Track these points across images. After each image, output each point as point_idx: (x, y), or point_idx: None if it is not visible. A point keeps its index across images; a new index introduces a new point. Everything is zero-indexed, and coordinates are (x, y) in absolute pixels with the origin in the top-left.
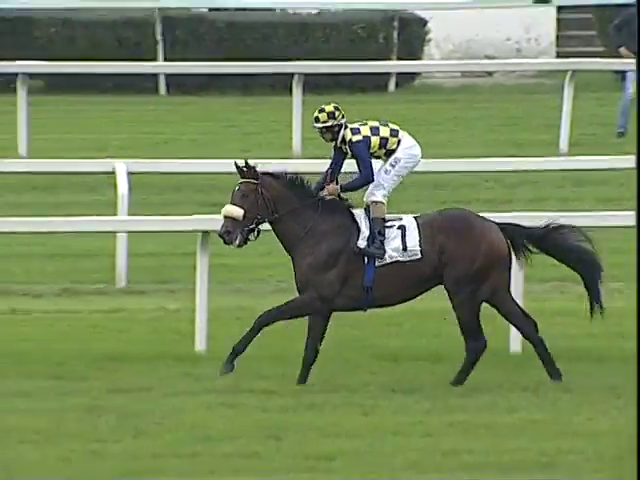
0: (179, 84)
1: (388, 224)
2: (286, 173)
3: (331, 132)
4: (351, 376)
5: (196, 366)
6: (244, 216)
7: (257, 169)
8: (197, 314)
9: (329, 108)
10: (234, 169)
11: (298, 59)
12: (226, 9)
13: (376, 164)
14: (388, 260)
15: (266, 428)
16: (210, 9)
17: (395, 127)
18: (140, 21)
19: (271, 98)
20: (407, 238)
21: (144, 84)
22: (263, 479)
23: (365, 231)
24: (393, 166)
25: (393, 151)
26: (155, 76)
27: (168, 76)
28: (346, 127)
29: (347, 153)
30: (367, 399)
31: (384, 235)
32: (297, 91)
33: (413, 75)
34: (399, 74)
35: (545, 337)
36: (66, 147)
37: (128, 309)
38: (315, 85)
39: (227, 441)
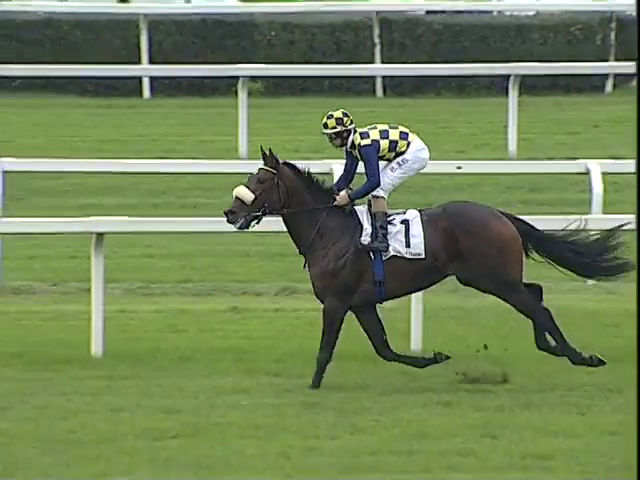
0: (395, 86)
1: (390, 218)
2: (308, 170)
3: (340, 137)
4: (567, 376)
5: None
6: (253, 201)
7: (279, 160)
8: (413, 313)
9: (337, 114)
10: (449, 170)
11: (514, 60)
12: (443, 12)
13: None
14: (393, 253)
15: (482, 427)
16: (427, 12)
17: (405, 130)
18: (358, 24)
19: (486, 99)
20: (411, 235)
21: (360, 86)
22: (479, 477)
23: (368, 227)
24: (400, 165)
25: (403, 153)
26: (372, 78)
27: (384, 78)
28: (355, 132)
29: (358, 158)
30: (584, 399)
31: (386, 229)
32: (513, 92)
33: (632, 76)
34: (617, 75)
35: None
36: (283, 149)
37: None
38: (531, 86)
39: (442, 439)
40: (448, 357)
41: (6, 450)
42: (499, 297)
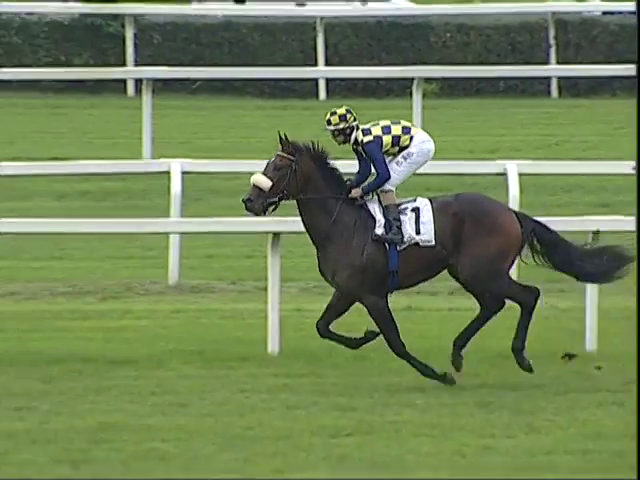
0: (570, 87)
1: (402, 207)
2: (324, 156)
3: (343, 134)
4: None
5: (587, 365)
6: (270, 188)
7: (298, 146)
8: (587, 313)
9: (340, 111)
10: (623, 170)
11: None
12: (620, 12)
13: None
14: (407, 243)
15: None
16: (603, 13)
17: (407, 124)
18: (533, 25)
19: None
20: (421, 222)
21: (535, 87)
22: None
23: (381, 219)
24: (405, 159)
25: (406, 147)
26: (547, 79)
27: (560, 79)
28: (358, 129)
29: (362, 154)
30: None
31: (400, 220)
32: None
33: None
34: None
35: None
36: (457, 150)
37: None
38: None
39: (618, 439)
40: (377, 334)
41: (186, 445)
42: (484, 286)
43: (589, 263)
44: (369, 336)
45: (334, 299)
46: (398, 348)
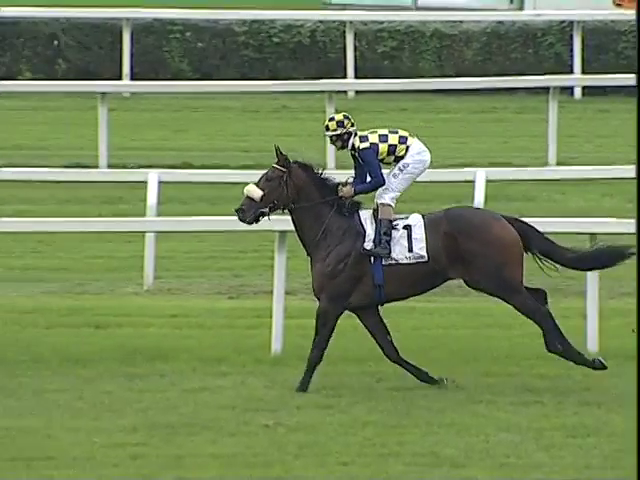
0: None
1: (394, 223)
2: (315, 167)
3: (341, 140)
4: None
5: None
6: (261, 198)
7: (289, 158)
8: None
9: (339, 117)
10: None
11: None
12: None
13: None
14: (392, 261)
15: None
16: None
17: (404, 134)
18: None
19: None
20: (413, 239)
21: None
22: None
23: (370, 233)
24: (401, 170)
25: (402, 157)
26: None
27: None
28: (355, 135)
29: (359, 160)
30: None
31: (390, 236)
32: None
33: None
34: None
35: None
36: None
37: None
38: None
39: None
40: (444, 382)
41: None
42: (501, 298)
43: (586, 255)
44: (438, 380)
45: (365, 324)
46: (316, 356)
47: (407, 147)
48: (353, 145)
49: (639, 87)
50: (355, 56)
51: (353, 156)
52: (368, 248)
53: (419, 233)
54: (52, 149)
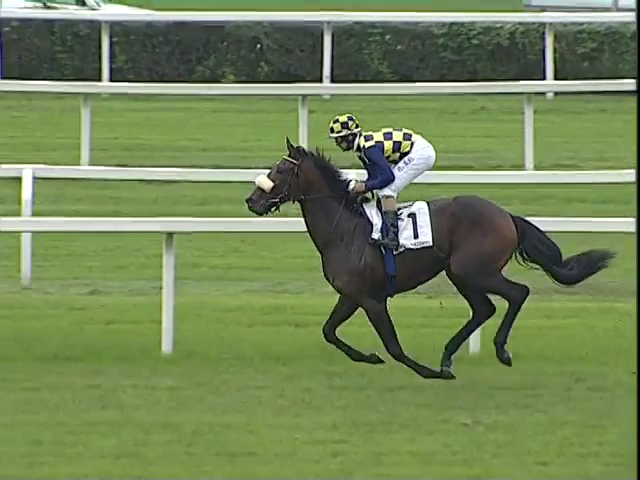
0: None
1: (399, 212)
2: (328, 160)
3: (346, 141)
4: None
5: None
6: (272, 189)
7: (302, 150)
8: None
9: (343, 119)
10: None
11: None
12: None
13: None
14: (402, 249)
15: None
16: None
17: (408, 131)
18: None
19: None
20: (418, 225)
21: None
22: None
23: (378, 223)
24: (406, 164)
25: (407, 153)
26: None
27: None
28: (360, 135)
29: (365, 161)
30: None
31: (397, 227)
32: None
33: None
34: None
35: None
36: None
37: None
38: None
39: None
40: (381, 361)
41: None
42: (477, 284)
43: (574, 268)
44: (372, 358)
45: (339, 303)
46: (395, 351)
47: (412, 143)
48: (358, 145)
49: (639, 88)
50: (554, 57)
51: (360, 158)
52: (376, 238)
53: (424, 220)
54: (254, 151)
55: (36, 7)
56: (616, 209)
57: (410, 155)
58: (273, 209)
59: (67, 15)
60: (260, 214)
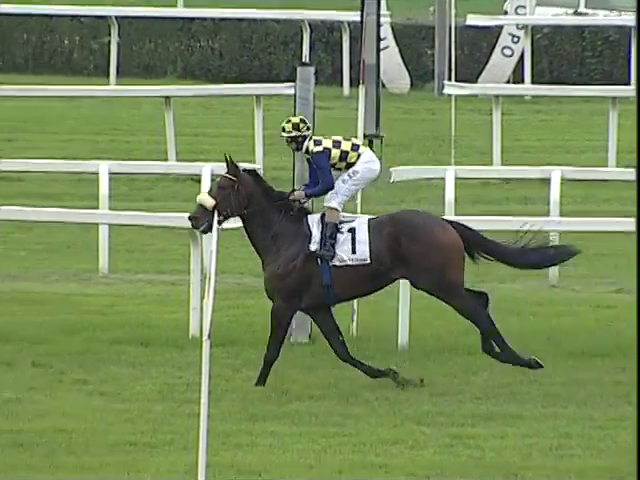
0: None
1: (340, 226)
2: (261, 175)
3: (295, 142)
4: None
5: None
6: (214, 207)
7: (239, 167)
8: None
9: (295, 120)
10: None
11: None
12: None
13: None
14: (338, 263)
15: None
16: None
17: (357, 142)
18: None
19: None
20: (357, 241)
21: None
22: None
23: (316, 234)
24: (350, 177)
25: (353, 164)
26: None
27: None
28: (310, 138)
29: (311, 163)
30: None
31: (335, 239)
32: None
33: None
34: None
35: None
36: None
37: None
38: None
39: None
40: (396, 373)
41: None
42: (442, 299)
43: (532, 255)
44: (387, 372)
45: (318, 324)
46: (272, 355)
47: (359, 155)
48: (307, 148)
49: (639, 89)
50: None
51: (308, 160)
52: (313, 249)
53: (362, 236)
54: None
55: (567, 14)
56: None
57: (355, 168)
58: (217, 226)
59: (597, 21)
60: (204, 232)
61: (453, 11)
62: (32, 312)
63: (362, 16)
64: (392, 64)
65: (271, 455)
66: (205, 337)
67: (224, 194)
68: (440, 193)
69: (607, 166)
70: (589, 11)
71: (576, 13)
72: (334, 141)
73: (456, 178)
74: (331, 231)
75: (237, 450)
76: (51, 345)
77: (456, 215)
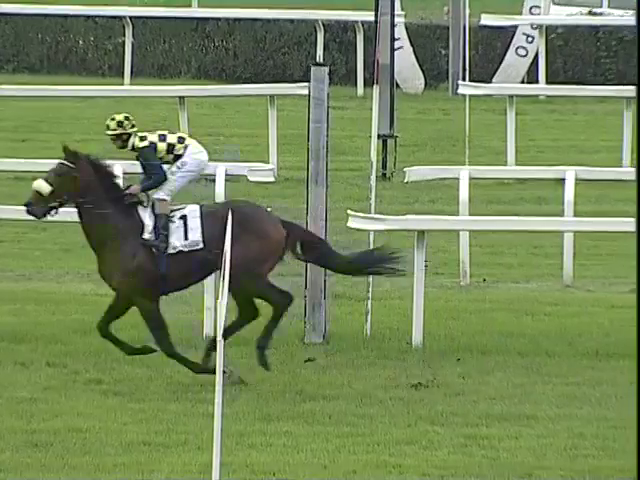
0: None
1: (171, 216)
2: (104, 164)
3: (120, 140)
4: None
5: None
6: (50, 193)
7: (80, 155)
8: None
9: (119, 117)
10: None
11: None
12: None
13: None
14: (173, 251)
15: None
16: None
17: (183, 135)
18: None
19: None
20: (189, 228)
21: None
22: None
23: (149, 224)
24: (179, 168)
25: (181, 156)
26: None
27: None
28: (135, 135)
29: (140, 160)
30: None
31: (168, 229)
32: None
33: None
34: None
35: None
36: None
37: None
38: None
39: None
40: (154, 350)
41: None
42: (241, 287)
43: (354, 261)
44: (145, 349)
45: (113, 301)
46: (166, 348)
47: (185, 146)
48: (133, 145)
49: (639, 90)
50: None
51: (137, 158)
52: (147, 238)
53: (195, 222)
54: None
55: (581, 14)
56: None
57: (183, 159)
58: (53, 212)
59: (611, 21)
60: (39, 218)
61: (467, 11)
62: (47, 312)
63: (376, 16)
64: (406, 64)
65: (285, 455)
66: (219, 337)
67: (60, 181)
68: (454, 193)
69: (621, 166)
70: (604, 11)
71: (590, 13)
72: (159, 135)
73: (470, 178)
74: (164, 222)
75: (251, 450)
76: (66, 345)
77: (470, 215)
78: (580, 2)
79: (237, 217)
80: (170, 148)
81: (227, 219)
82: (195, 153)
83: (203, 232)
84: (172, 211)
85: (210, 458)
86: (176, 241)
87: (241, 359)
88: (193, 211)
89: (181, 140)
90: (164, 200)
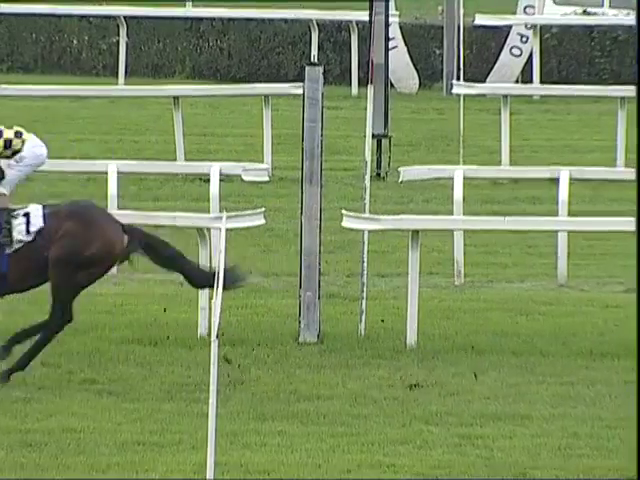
0: None
1: (14, 213)
2: None
3: None
4: None
5: None
6: None
7: None
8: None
9: None
10: None
11: None
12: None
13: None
14: (17, 245)
15: None
16: None
17: (20, 130)
18: None
19: None
20: (31, 225)
21: None
22: None
23: None
24: (17, 162)
25: (19, 151)
26: None
27: None
28: None
29: None
30: None
31: (11, 224)
32: None
33: None
34: None
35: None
36: None
37: None
38: None
39: None
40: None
41: None
42: (56, 282)
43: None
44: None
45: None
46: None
47: (23, 141)
48: None
49: (639, 90)
50: None
51: None
52: None
53: (37, 220)
54: None
55: (576, 13)
56: None
57: (22, 153)
58: None
59: (605, 21)
60: None
61: (461, 11)
62: (41, 312)
63: (371, 16)
64: (401, 64)
65: (279, 455)
66: (213, 337)
67: None
68: (448, 193)
69: (615, 166)
70: (604, 10)
71: (585, 13)
72: None
73: (464, 178)
74: (6, 217)
75: (245, 449)
76: (60, 345)
77: (464, 214)
78: (581, 2)
79: (77, 217)
80: (7, 144)
81: (69, 217)
82: (34, 147)
83: (44, 229)
84: (14, 210)
85: (204, 458)
86: (20, 236)
87: (235, 359)
88: (36, 209)
89: (19, 135)
90: (2, 194)
